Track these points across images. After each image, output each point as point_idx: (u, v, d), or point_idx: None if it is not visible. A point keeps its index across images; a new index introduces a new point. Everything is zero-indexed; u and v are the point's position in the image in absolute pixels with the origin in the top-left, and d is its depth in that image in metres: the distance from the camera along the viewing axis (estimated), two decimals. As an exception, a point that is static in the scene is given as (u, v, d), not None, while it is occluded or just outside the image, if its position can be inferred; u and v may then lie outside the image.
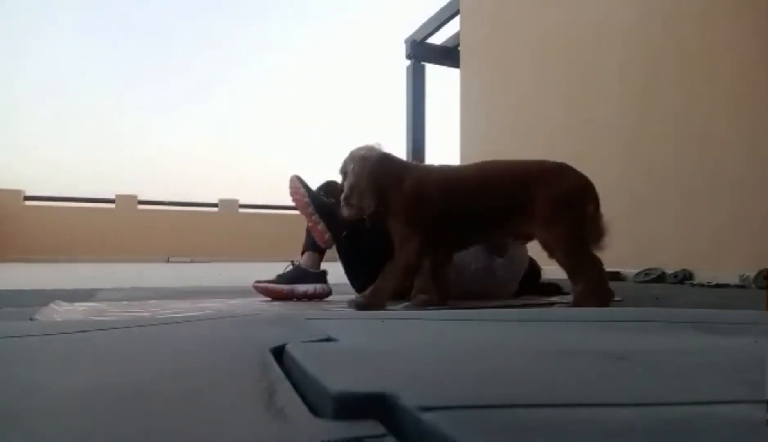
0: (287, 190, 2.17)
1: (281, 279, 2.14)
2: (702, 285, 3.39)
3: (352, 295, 2.23)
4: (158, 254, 9.70)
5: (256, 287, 2.15)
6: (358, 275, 2.20)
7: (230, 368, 0.65)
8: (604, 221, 1.69)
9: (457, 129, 6.71)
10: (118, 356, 0.79)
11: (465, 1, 6.84)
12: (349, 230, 2.09)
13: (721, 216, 3.64)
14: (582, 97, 4.87)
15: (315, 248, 2.20)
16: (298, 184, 2.13)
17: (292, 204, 2.19)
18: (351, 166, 1.79)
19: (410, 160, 1.83)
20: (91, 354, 0.81)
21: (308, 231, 2.20)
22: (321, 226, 2.08)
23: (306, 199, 2.11)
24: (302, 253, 2.24)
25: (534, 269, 2.44)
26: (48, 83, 22.94)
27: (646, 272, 3.94)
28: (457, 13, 7.25)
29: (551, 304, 2.05)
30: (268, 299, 2.14)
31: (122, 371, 0.67)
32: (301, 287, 2.13)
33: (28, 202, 10.32)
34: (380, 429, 0.42)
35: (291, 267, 2.19)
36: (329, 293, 2.20)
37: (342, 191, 1.82)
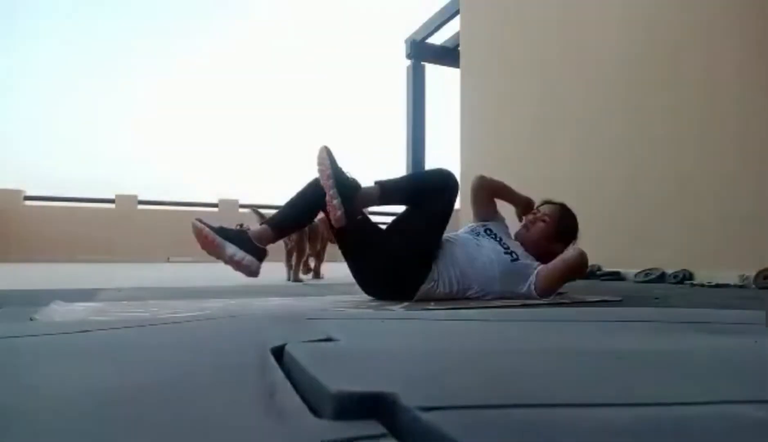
0: (316, 161, 2.13)
1: (222, 232, 2.06)
2: (702, 285, 3.39)
3: (350, 295, 2.24)
4: (158, 254, 9.68)
5: (194, 224, 2.09)
6: (365, 276, 2.20)
7: (230, 368, 0.65)
8: None
9: (457, 129, 6.72)
10: (118, 356, 0.79)
11: (465, 1, 6.84)
12: (357, 231, 2.08)
13: (721, 216, 3.64)
14: (582, 96, 4.87)
15: (280, 226, 2.16)
16: (325, 156, 2.11)
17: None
18: None
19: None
20: (91, 354, 0.81)
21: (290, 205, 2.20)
22: (337, 201, 2.05)
23: (329, 172, 2.09)
24: (261, 223, 2.20)
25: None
26: (49, 83, 22.96)
27: (646, 272, 3.94)
28: (457, 13, 7.25)
29: (552, 304, 2.05)
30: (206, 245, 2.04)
31: (122, 371, 0.67)
32: (231, 249, 2.02)
33: (28, 202, 10.31)
34: (380, 429, 0.42)
35: (239, 227, 2.16)
36: (255, 273, 2.08)
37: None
